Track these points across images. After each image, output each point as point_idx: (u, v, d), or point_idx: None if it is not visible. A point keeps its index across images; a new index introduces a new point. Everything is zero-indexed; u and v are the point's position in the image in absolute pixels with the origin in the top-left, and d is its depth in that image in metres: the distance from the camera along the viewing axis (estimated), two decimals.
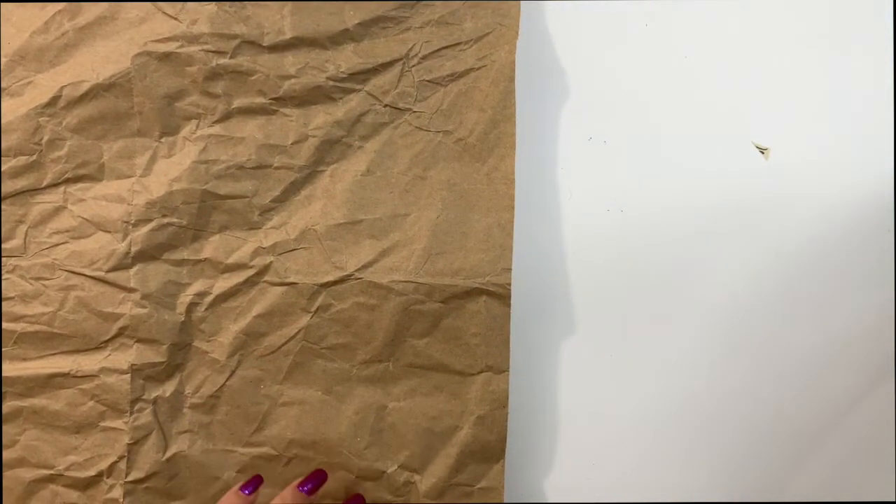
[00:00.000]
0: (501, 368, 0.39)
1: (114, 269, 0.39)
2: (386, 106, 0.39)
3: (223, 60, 0.38)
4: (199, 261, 0.39)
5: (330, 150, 0.39)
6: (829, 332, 0.42)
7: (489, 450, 0.40)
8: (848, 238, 0.42)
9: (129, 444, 0.39)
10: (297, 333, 0.40)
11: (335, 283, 0.39)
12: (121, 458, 0.39)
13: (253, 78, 0.39)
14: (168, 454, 0.40)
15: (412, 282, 0.39)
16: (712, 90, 0.42)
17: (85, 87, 0.38)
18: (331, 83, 0.39)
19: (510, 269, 0.39)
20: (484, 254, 0.39)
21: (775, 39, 0.41)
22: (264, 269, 0.39)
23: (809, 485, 0.43)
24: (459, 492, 0.39)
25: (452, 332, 0.39)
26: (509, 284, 0.39)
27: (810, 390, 0.43)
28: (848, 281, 0.42)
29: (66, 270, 0.39)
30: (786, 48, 0.41)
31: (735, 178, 0.42)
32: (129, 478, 0.40)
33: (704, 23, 0.42)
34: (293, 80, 0.39)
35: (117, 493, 0.40)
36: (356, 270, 0.39)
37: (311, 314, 0.39)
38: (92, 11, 0.38)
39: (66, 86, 0.38)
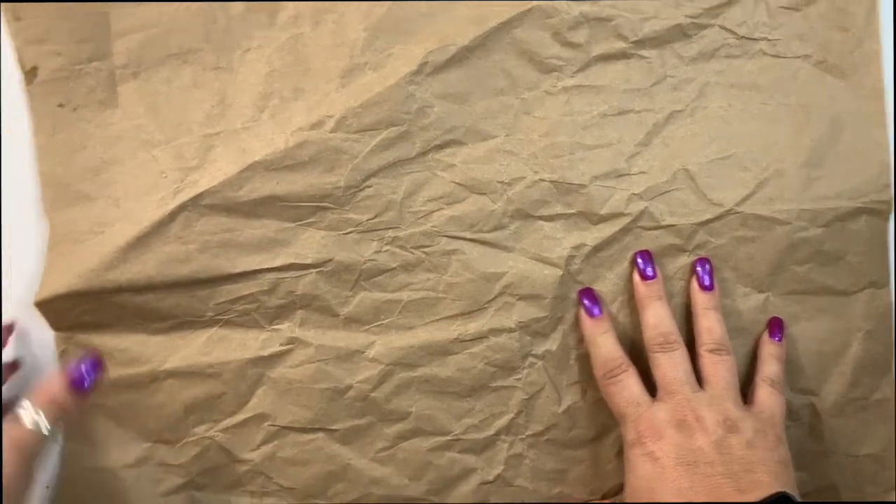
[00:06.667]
0: (883, 283, 0.40)
1: (493, 229, 0.39)
2: (741, 38, 0.39)
3: (585, 8, 0.38)
4: (572, 214, 0.40)
5: (687, 88, 0.39)
6: None
7: (880, 362, 0.40)
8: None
9: (524, 400, 0.40)
10: (675, 273, 0.40)
11: (713, 220, 0.39)
12: (518, 413, 0.40)
13: (613, 23, 0.38)
14: (563, 406, 0.40)
15: (795, 209, 0.39)
16: None
17: (451, 50, 0.38)
18: (688, 20, 0.39)
19: (890, 185, 0.39)
20: (864, 172, 0.39)
21: None
22: (640, 216, 0.40)
23: None
24: (855, 406, 0.40)
25: (834, 254, 0.40)
26: (891, 200, 0.39)
27: None
28: None
29: (445, 236, 0.39)
30: None
31: None
32: (529, 431, 0.40)
33: None
34: (653, 21, 0.39)
35: (519, 447, 0.40)
36: (735, 205, 0.39)
37: (687, 253, 0.40)
38: None
39: (432, 51, 0.38)
